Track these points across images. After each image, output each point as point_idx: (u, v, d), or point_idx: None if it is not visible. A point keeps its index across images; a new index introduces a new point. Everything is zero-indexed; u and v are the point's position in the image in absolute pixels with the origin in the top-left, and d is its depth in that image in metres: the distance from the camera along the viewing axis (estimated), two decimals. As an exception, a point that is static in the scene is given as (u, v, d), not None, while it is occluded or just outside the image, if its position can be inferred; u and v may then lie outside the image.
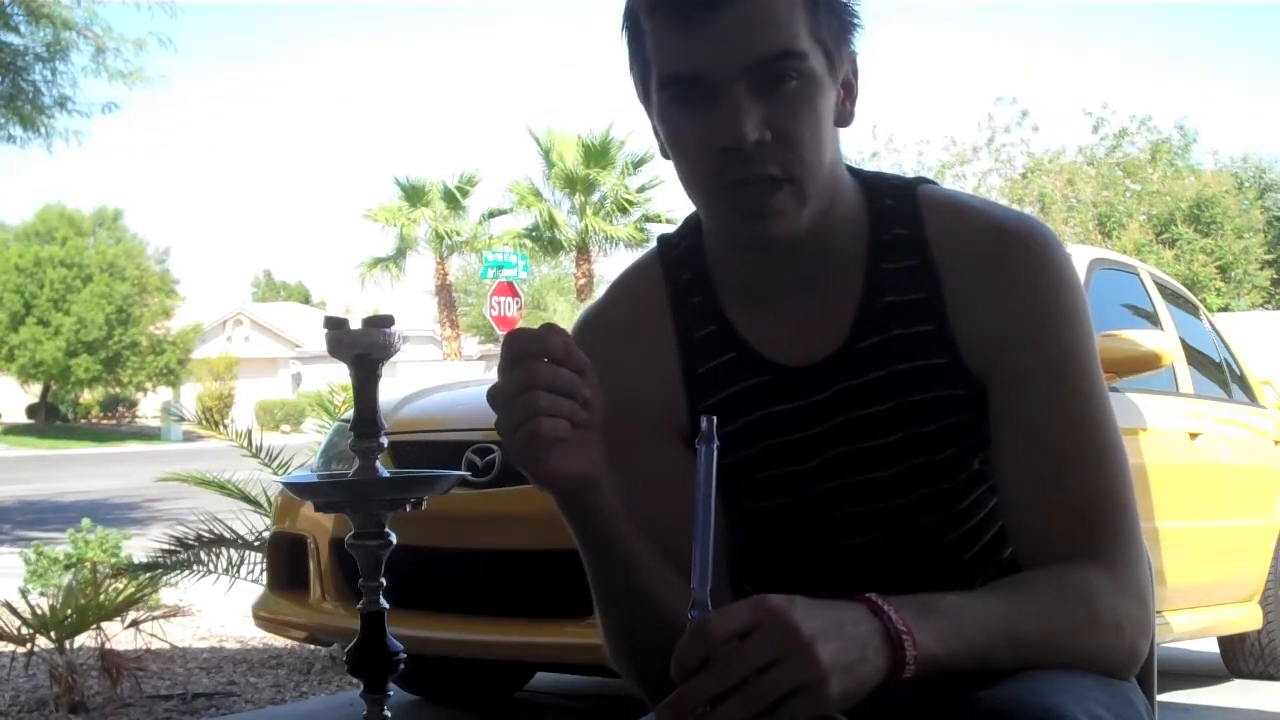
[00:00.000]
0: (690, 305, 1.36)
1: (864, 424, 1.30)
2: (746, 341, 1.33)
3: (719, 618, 1.02)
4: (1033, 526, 1.26)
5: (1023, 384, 1.26)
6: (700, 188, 1.25)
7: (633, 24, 1.24)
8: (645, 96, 1.26)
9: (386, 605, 1.27)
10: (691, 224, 1.38)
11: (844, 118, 1.27)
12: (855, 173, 1.34)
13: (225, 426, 6.65)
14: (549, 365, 1.14)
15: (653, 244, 1.42)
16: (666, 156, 1.28)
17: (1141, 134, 26.82)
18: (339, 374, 3.16)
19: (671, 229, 1.41)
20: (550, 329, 1.16)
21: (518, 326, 1.20)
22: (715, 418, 1.08)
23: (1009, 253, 1.27)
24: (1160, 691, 1.45)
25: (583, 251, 29.26)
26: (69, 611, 4.52)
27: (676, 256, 1.37)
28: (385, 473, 1.26)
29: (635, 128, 28.19)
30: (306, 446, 6.57)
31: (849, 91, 1.27)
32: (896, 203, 1.32)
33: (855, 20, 1.25)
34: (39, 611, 4.53)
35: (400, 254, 30.72)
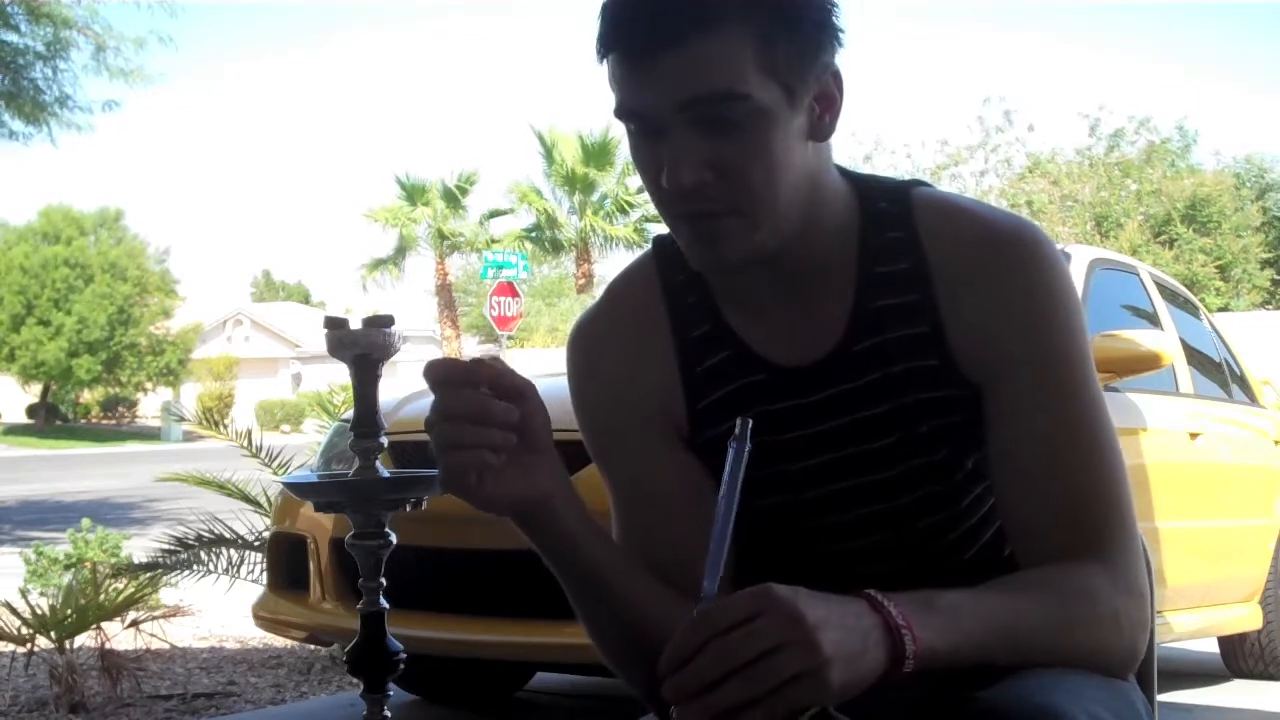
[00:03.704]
0: (686, 305, 1.36)
1: (860, 426, 1.30)
2: (742, 340, 1.33)
3: (721, 609, 1.03)
4: (1030, 526, 1.26)
5: (1017, 385, 1.26)
6: (660, 213, 1.27)
7: (598, 55, 1.25)
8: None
9: (386, 605, 1.28)
10: None
11: (821, 132, 1.25)
12: (849, 176, 1.34)
13: (225, 426, 6.64)
14: (466, 393, 1.15)
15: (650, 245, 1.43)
16: None
17: (1142, 134, 26.84)
18: (339, 374, 3.16)
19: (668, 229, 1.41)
20: (477, 362, 1.17)
21: (439, 357, 1.20)
22: (751, 421, 1.10)
23: (1002, 254, 1.27)
24: (1160, 691, 1.45)
25: (583, 251, 29.28)
26: (69, 611, 4.52)
27: (671, 257, 1.37)
28: (385, 473, 1.26)
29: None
30: (306, 446, 6.56)
31: (828, 105, 1.25)
32: (890, 205, 1.32)
33: (828, 36, 1.23)
34: (39, 611, 4.53)
35: (400, 254, 30.74)
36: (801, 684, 1.01)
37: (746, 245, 1.23)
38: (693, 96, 1.18)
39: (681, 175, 1.19)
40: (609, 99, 1.27)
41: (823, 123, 1.25)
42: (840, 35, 1.25)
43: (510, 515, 1.21)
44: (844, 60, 1.26)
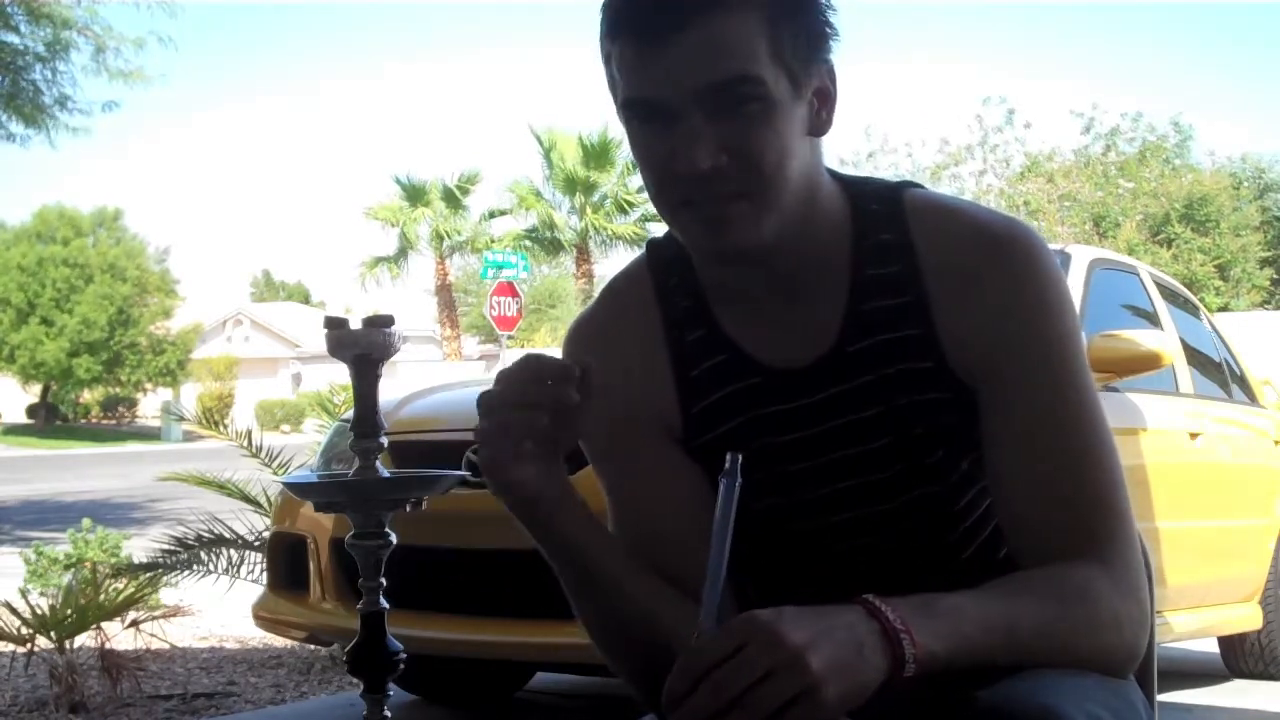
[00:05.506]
0: (680, 309, 1.36)
1: (853, 428, 1.30)
2: (736, 343, 1.33)
3: (708, 645, 1.03)
4: (1028, 527, 1.26)
5: (1011, 386, 1.26)
6: (663, 205, 1.26)
7: (602, 45, 1.25)
8: (618, 113, 1.27)
9: (386, 605, 1.28)
10: None
11: (819, 127, 1.26)
12: (839, 178, 1.34)
13: (225, 426, 6.64)
14: (529, 384, 1.18)
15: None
16: None
17: (1139, 131, 26.80)
18: (339, 374, 3.16)
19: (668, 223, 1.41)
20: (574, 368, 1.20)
21: (536, 352, 1.22)
22: (740, 456, 1.09)
23: (994, 256, 1.27)
24: (1160, 691, 1.44)
25: (583, 251, 29.27)
26: (69, 611, 4.52)
27: (665, 261, 1.38)
28: (385, 473, 1.26)
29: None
30: (306, 446, 6.56)
31: (824, 100, 1.26)
32: (882, 207, 1.32)
33: (828, 31, 1.24)
34: (39, 611, 4.53)
35: (400, 254, 30.73)
36: (798, 707, 1.01)
37: (755, 232, 1.22)
38: (713, 80, 1.18)
39: (697, 159, 1.19)
40: (609, 98, 1.26)
41: (820, 118, 1.26)
42: (837, 32, 1.25)
43: (514, 504, 1.22)
44: (842, 60, 1.27)
